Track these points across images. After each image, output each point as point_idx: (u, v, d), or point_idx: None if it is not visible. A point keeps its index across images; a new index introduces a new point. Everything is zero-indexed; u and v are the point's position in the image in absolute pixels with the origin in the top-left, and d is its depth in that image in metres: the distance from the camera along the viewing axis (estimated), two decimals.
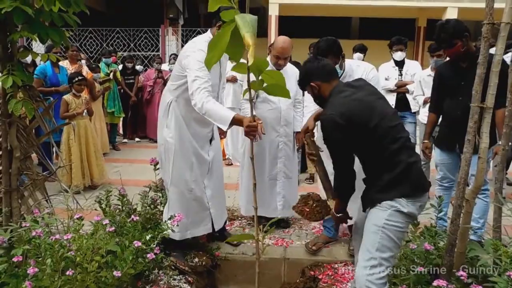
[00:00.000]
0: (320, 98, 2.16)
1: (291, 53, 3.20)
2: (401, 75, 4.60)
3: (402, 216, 1.96)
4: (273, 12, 11.78)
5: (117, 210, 2.80)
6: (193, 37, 9.14)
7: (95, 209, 2.94)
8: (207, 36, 2.68)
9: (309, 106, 3.04)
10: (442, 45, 2.77)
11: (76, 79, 4.21)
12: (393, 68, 4.68)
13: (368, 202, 2.07)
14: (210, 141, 2.91)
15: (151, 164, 2.96)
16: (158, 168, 2.92)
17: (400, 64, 4.66)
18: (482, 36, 2.14)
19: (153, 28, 10.07)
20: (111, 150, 6.14)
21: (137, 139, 7.11)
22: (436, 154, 3.09)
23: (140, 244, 2.14)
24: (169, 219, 2.41)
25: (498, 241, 2.27)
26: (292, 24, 12.62)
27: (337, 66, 2.66)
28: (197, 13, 12.87)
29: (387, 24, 13.46)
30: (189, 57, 2.52)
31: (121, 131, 7.19)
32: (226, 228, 3.23)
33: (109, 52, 6.47)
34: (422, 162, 4.24)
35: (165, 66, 7.44)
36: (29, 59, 4.92)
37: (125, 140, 6.99)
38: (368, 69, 2.89)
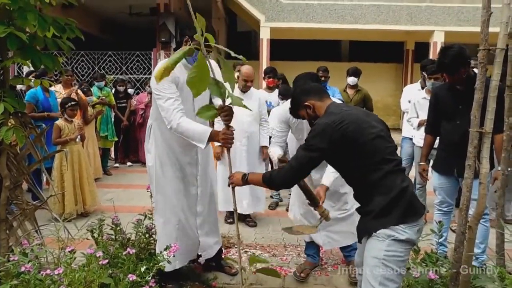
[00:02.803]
0: (315, 118, 2.09)
1: (253, 78, 3.99)
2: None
3: (402, 244, 1.85)
4: (265, 35, 11.92)
5: (110, 240, 2.70)
6: None
7: (87, 239, 2.83)
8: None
9: (277, 136, 3.02)
10: (445, 70, 2.77)
11: (69, 104, 4.15)
12: (418, 92, 4.46)
13: (364, 232, 1.94)
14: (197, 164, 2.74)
15: (147, 191, 2.89)
16: (152, 196, 2.84)
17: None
18: (478, 62, 2.15)
19: (145, 51, 10.10)
20: (103, 175, 6.02)
21: (129, 163, 7.00)
22: (434, 178, 3.06)
23: (135, 277, 2.05)
24: (165, 249, 2.32)
25: (503, 269, 2.23)
26: (283, 48, 12.78)
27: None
28: None
29: (376, 47, 13.72)
30: (153, 79, 2.42)
31: (112, 155, 7.08)
32: (222, 256, 3.13)
33: (101, 76, 6.45)
34: (419, 185, 4.28)
35: None
36: (23, 87, 4.86)
37: (117, 165, 6.88)
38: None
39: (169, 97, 2.38)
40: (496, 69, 2.12)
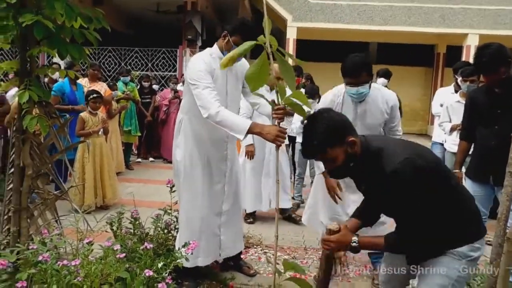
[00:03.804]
0: (353, 157, 1.67)
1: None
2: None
3: (474, 263, 1.71)
4: (291, 35, 11.81)
5: (129, 234, 2.67)
6: None
7: (106, 231, 2.82)
8: (212, 48, 2.61)
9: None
10: (483, 70, 2.61)
11: (91, 96, 4.17)
12: (452, 95, 4.28)
13: (431, 254, 1.71)
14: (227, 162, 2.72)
15: (167, 186, 2.85)
16: (174, 191, 2.80)
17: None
18: None
19: (171, 48, 10.17)
20: (125, 170, 6.06)
21: (151, 158, 7.04)
22: (467, 185, 2.89)
23: (151, 273, 1.99)
24: (183, 246, 2.26)
25: None
26: (309, 48, 12.62)
27: (367, 86, 2.52)
28: (215, 35, 13.04)
29: (405, 49, 13.37)
30: (191, 69, 2.45)
31: (135, 150, 7.13)
32: (241, 256, 3.05)
33: (127, 71, 6.49)
34: None
35: (180, 86, 7.43)
36: (57, 76, 4.93)
37: (139, 160, 6.92)
38: (390, 99, 2.65)
39: (207, 86, 2.35)
40: None
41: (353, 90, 2.51)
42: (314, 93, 4.43)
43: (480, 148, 2.83)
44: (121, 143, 5.86)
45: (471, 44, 12.03)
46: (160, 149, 7.02)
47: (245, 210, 4.12)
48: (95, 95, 4.19)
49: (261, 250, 3.36)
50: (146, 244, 2.18)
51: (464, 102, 3.89)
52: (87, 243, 2.06)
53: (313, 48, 13.05)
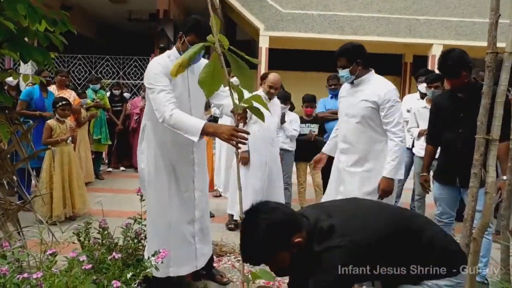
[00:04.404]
0: (301, 254, 1.47)
1: (279, 87, 3.98)
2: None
3: None
4: (264, 44, 11.92)
5: (97, 245, 2.57)
6: None
7: (73, 242, 2.71)
8: (171, 51, 2.57)
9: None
10: (447, 74, 2.70)
11: (60, 103, 4.04)
12: (418, 101, 4.41)
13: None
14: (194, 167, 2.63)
15: (137, 194, 2.78)
16: (144, 199, 2.73)
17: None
18: (486, 66, 2.07)
19: (143, 56, 10.05)
20: (95, 179, 5.88)
21: (122, 168, 6.88)
22: (435, 188, 2.97)
23: (119, 284, 1.92)
24: (153, 255, 2.20)
25: (508, 285, 2.12)
26: (281, 57, 12.76)
27: (347, 71, 2.73)
28: None
29: (375, 59, 13.69)
30: (147, 73, 2.40)
31: (105, 160, 6.95)
32: (214, 265, 3.00)
33: (97, 78, 6.35)
34: (417, 197, 4.17)
35: None
36: (13, 82, 4.76)
37: (110, 169, 6.75)
38: (382, 91, 2.68)
39: (162, 89, 2.30)
40: (504, 74, 2.03)
41: (340, 72, 2.84)
42: (286, 99, 4.45)
43: (445, 152, 2.91)
44: (90, 152, 5.69)
45: (436, 54, 12.48)
46: (132, 158, 6.87)
47: (231, 216, 4.12)
48: (63, 102, 4.06)
49: (235, 258, 3.32)
50: (114, 254, 2.10)
51: (430, 107, 4.03)
52: (50, 254, 1.97)
53: (285, 57, 13.20)
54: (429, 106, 4.00)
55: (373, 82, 2.77)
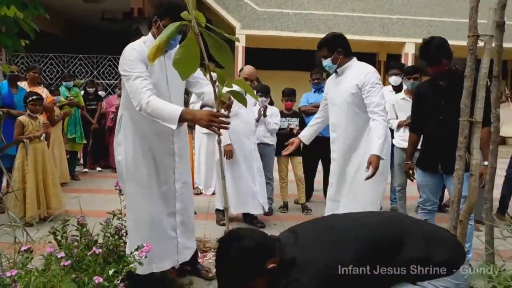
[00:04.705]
0: (277, 278, 1.43)
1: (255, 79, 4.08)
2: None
3: None
4: (240, 43, 11.89)
5: (75, 242, 2.45)
6: None
7: (49, 242, 2.57)
8: (146, 36, 2.46)
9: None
10: (429, 61, 2.72)
11: (31, 98, 3.86)
12: (390, 93, 4.45)
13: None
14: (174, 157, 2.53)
15: (115, 188, 2.67)
16: (123, 194, 2.63)
17: (398, 90, 4.43)
18: (468, 49, 2.09)
19: (117, 56, 9.82)
20: (70, 180, 5.67)
21: (98, 168, 6.68)
22: (418, 175, 2.99)
23: (101, 280, 1.82)
24: (136, 249, 2.10)
25: (493, 266, 2.14)
26: (258, 56, 12.75)
27: (329, 60, 2.85)
28: None
29: None
30: (122, 59, 2.30)
31: (81, 160, 6.73)
32: (199, 260, 2.92)
33: (70, 75, 6.15)
34: (398, 188, 4.21)
35: None
36: None
37: (86, 170, 6.53)
38: (362, 73, 2.77)
39: (138, 76, 2.19)
40: (486, 56, 2.06)
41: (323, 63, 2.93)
42: (266, 92, 4.42)
43: (428, 139, 2.93)
44: (65, 151, 5.49)
45: (408, 52, 12.79)
46: (109, 158, 6.68)
47: (221, 211, 4.04)
48: (34, 97, 3.88)
49: None
50: (94, 249, 2.00)
51: (409, 99, 4.08)
52: (25, 250, 1.85)
53: (262, 56, 13.20)
54: (407, 98, 4.06)
55: (355, 67, 2.86)
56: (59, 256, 1.93)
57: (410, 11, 12.74)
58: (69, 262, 1.90)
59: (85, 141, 6.12)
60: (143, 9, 10.21)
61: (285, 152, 3.22)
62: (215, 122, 2.00)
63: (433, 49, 2.71)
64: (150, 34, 2.44)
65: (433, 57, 2.72)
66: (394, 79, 4.45)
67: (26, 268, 1.79)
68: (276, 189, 4.74)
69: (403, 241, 1.40)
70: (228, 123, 2.06)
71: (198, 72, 2.67)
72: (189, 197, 2.68)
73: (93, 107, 6.44)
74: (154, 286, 2.55)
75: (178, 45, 2.37)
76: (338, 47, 2.82)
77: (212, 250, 3.31)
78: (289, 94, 4.69)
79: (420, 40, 11.32)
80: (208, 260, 3.09)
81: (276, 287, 1.42)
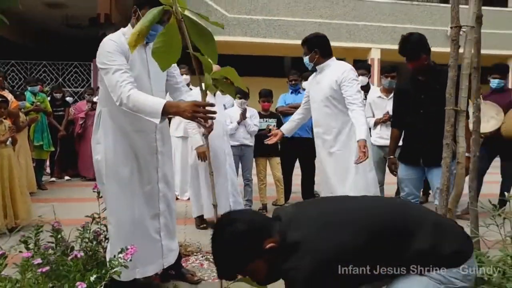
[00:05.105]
0: (277, 259, 1.37)
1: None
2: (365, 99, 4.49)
3: None
4: None
5: (50, 250, 2.28)
6: None
7: (20, 251, 2.38)
8: (125, 28, 2.33)
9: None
10: (408, 56, 2.77)
11: None
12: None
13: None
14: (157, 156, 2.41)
15: (93, 191, 2.53)
16: (101, 196, 2.49)
17: (366, 89, 4.43)
18: (451, 39, 2.13)
19: (84, 62, 9.51)
20: (37, 190, 5.37)
21: (67, 177, 6.38)
22: (401, 170, 3.03)
23: (84, 286, 1.69)
24: (120, 252, 1.98)
25: (478, 252, 2.17)
26: (228, 62, 12.67)
27: (306, 58, 3.05)
28: None
29: None
30: (100, 52, 2.16)
31: (48, 170, 6.40)
32: (182, 264, 2.81)
33: (36, 80, 5.86)
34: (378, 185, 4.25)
35: (97, 99, 6.92)
36: None
37: (53, 179, 6.22)
38: (339, 71, 2.94)
39: (118, 69, 2.06)
40: (468, 47, 2.11)
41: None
42: (245, 94, 4.37)
43: (409, 133, 2.98)
44: (31, 159, 5.19)
45: (374, 57, 13.15)
46: (78, 167, 6.41)
47: (198, 218, 3.91)
48: None
49: (202, 256, 3.13)
50: (75, 252, 1.86)
51: (385, 97, 4.15)
52: None
53: (231, 62, 13.08)
54: (384, 96, 4.13)
55: (333, 66, 3.06)
56: (35, 263, 1.78)
57: (375, 18, 13.14)
58: (47, 268, 1.76)
59: (53, 149, 5.82)
60: (110, 14, 9.97)
61: (268, 141, 3.34)
62: (200, 113, 1.91)
63: (412, 44, 2.77)
64: (129, 26, 2.32)
65: (412, 52, 2.77)
66: (361, 79, 4.48)
67: (1, 275, 1.63)
68: (254, 191, 4.68)
69: (412, 230, 1.36)
70: (215, 112, 1.96)
71: (180, 78, 2.60)
72: (172, 197, 2.57)
73: (61, 113, 6.16)
74: None
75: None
76: (315, 47, 3.02)
77: (195, 254, 3.20)
78: (266, 95, 4.67)
79: (385, 46, 11.64)
80: (192, 264, 2.98)
81: (277, 267, 1.37)
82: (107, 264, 2.13)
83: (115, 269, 1.90)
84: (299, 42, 12.09)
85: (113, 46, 2.13)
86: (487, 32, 10.67)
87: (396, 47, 11.14)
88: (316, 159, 3.40)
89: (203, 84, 2.83)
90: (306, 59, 3.09)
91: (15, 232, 2.62)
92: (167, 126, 2.46)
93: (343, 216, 1.39)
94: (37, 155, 5.53)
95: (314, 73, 3.17)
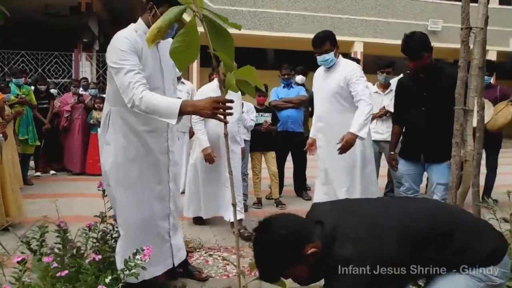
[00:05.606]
0: (320, 261, 1.40)
1: None
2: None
3: None
4: None
5: (58, 251, 2.22)
6: None
7: (22, 252, 2.31)
8: (136, 24, 2.25)
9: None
10: (410, 55, 2.80)
11: None
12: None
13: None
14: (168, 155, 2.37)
15: (98, 189, 2.48)
16: (106, 195, 2.44)
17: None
18: (461, 40, 2.17)
19: (64, 52, 9.21)
20: (23, 185, 5.19)
21: (52, 171, 6.20)
22: (401, 165, 3.08)
23: None
24: (135, 254, 1.94)
25: None
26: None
27: (332, 54, 3.02)
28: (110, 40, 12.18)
29: (299, 56, 14.18)
30: (112, 50, 2.09)
31: (32, 163, 6.20)
32: (188, 260, 2.79)
33: (20, 71, 5.63)
34: None
35: (82, 91, 6.72)
36: None
37: (38, 174, 6.04)
38: (347, 69, 3.00)
39: (130, 69, 2.01)
40: (477, 48, 2.16)
41: (320, 58, 3.03)
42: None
43: (410, 130, 3.03)
44: (17, 154, 5.01)
45: (357, 51, 13.26)
46: (64, 160, 6.24)
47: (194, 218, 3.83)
48: None
49: (205, 253, 3.13)
50: (93, 255, 1.83)
51: (381, 92, 4.21)
52: (18, 262, 1.64)
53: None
54: (380, 91, 4.19)
55: (343, 63, 3.09)
56: (52, 266, 1.74)
57: (359, 11, 13.23)
58: (65, 272, 1.72)
59: (38, 143, 5.64)
60: (91, 3, 9.68)
61: (310, 152, 3.49)
62: (220, 109, 1.85)
63: (414, 44, 2.79)
64: (141, 21, 2.24)
65: (413, 51, 2.80)
66: None
67: (23, 283, 1.58)
68: (249, 185, 4.69)
69: (452, 230, 1.40)
70: (232, 108, 1.90)
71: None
72: (179, 196, 2.55)
73: (45, 106, 5.95)
74: None
75: (171, 36, 2.25)
76: (336, 43, 3.08)
77: (197, 250, 3.19)
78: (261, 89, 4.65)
79: (368, 40, 11.75)
80: (196, 261, 2.97)
81: (319, 270, 1.40)
82: (120, 265, 2.11)
83: (132, 271, 1.88)
84: (284, 34, 12.12)
85: (127, 44, 2.07)
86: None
87: (378, 40, 11.40)
88: (315, 153, 3.38)
89: (217, 82, 2.84)
90: (330, 56, 3.01)
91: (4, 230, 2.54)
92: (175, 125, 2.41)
93: (385, 220, 1.41)
94: (22, 149, 5.33)
95: (322, 70, 3.17)
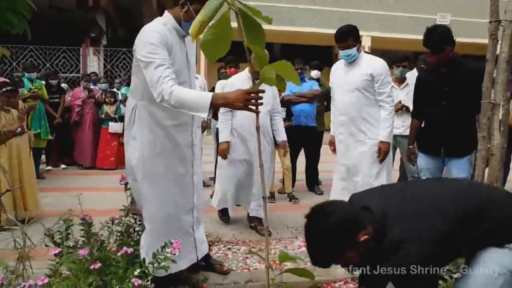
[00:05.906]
0: (370, 248, 1.46)
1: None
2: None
3: None
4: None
5: (84, 244, 2.23)
6: (117, 58, 8.48)
7: (46, 245, 2.32)
8: (165, 17, 2.22)
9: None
10: (433, 49, 2.78)
11: (4, 89, 3.46)
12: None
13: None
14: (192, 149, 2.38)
15: (120, 183, 2.48)
16: (129, 188, 2.44)
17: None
18: (489, 34, 2.16)
19: (72, 47, 9.20)
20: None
21: (63, 165, 6.23)
22: (421, 159, 3.07)
23: (140, 282, 1.67)
24: (164, 247, 1.95)
25: None
26: None
27: (355, 49, 3.00)
28: (118, 35, 12.19)
29: (306, 50, 14.13)
30: (142, 43, 2.07)
31: (43, 157, 6.23)
32: (210, 253, 2.80)
33: (32, 66, 5.63)
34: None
35: (93, 86, 6.72)
36: None
37: (49, 167, 6.06)
38: (374, 66, 2.99)
39: (160, 64, 2.00)
40: (505, 42, 2.14)
41: (342, 52, 3.02)
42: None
43: (431, 124, 3.01)
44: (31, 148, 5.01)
45: (365, 45, 13.18)
46: (74, 155, 6.26)
47: (220, 211, 3.74)
48: (8, 88, 3.48)
49: (224, 246, 3.15)
50: (125, 248, 1.83)
51: (396, 87, 4.19)
52: (55, 254, 1.64)
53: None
54: (395, 86, 4.17)
55: (365, 57, 3.09)
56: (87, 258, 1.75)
57: (367, 6, 13.14)
58: (99, 265, 1.73)
59: (50, 137, 5.65)
60: None
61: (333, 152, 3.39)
62: (252, 100, 1.83)
63: (437, 37, 2.77)
64: (169, 15, 2.20)
65: (436, 45, 2.78)
66: None
67: (61, 274, 1.59)
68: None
69: (489, 207, 1.46)
70: (262, 98, 1.87)
71: None
72: (202, 189, 2.56)
73: (56, 100, 5.96)
74: (171, 286, 2.39)
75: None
76: (359, 38, 3.09)
77: (216, 244, 3.20)
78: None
79: (375, 34, 11.65)
80: (216, 254, 2.98)
81: (371, 255, 1.45)
82: (147, 258, 2.11)
83: (162, 264, 1.89)
84: (293, 28, 12.03)
85: (158, 38, 2.06)
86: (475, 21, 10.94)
87: (386, 34, 11.26)
88: (336, 147, 3.24)
89: (247, 71, 2.76)
90: (353, 51, 2.99)
91: (29, 224, 2.56)
92: (199, 118, 2.41)
93: (432, 202, 1.46)
94: (35, 143, 5.32)
95: (341, 64, 3.16)
